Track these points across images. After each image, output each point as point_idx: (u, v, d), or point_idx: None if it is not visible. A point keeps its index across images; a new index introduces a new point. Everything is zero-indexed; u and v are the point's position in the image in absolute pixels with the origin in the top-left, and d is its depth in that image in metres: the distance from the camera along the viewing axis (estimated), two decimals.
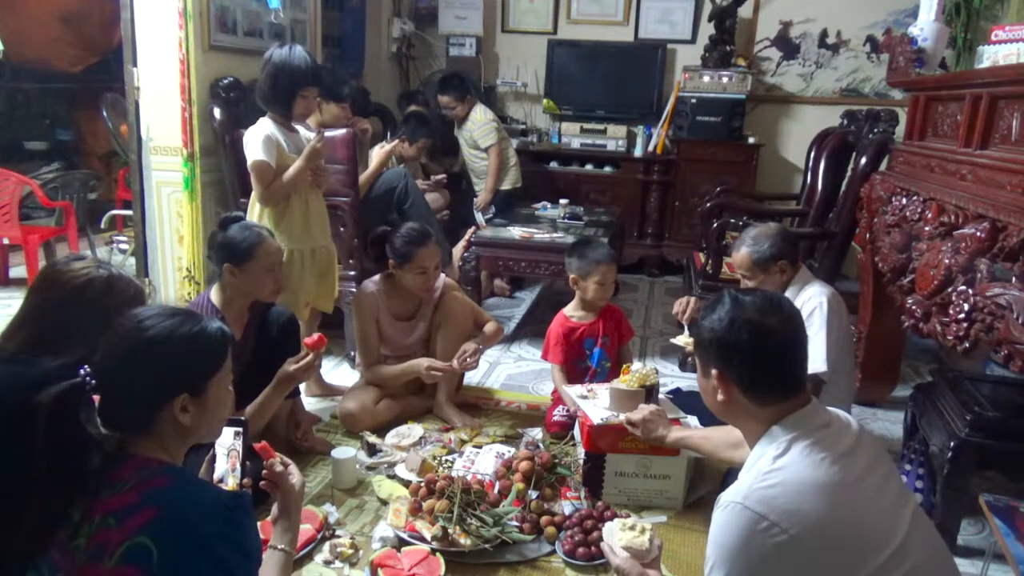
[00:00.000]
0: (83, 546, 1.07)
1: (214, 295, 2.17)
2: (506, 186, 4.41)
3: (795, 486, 1.13)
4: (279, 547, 1.42)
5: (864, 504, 1.15)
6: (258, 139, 2.50)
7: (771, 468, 1.17)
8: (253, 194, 2.58)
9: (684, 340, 2.53)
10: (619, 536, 1.51)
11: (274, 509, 1.47)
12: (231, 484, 1.50)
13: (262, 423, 2.16)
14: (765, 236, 2.33)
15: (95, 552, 1.06)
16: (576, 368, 2.68)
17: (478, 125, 4.29)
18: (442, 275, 2.73)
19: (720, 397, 1.28)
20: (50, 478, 1.06)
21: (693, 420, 2.31)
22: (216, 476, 1.51)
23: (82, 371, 1.11)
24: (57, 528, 1.08)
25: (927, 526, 1.23)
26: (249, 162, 2.51)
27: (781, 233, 2.37)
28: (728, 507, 1.14)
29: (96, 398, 1.14)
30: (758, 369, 1.25)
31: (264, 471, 1.47)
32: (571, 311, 2.71)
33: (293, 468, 1.49)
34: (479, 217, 4.30)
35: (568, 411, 2.53)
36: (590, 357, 2.68)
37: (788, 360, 1.26)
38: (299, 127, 2.72)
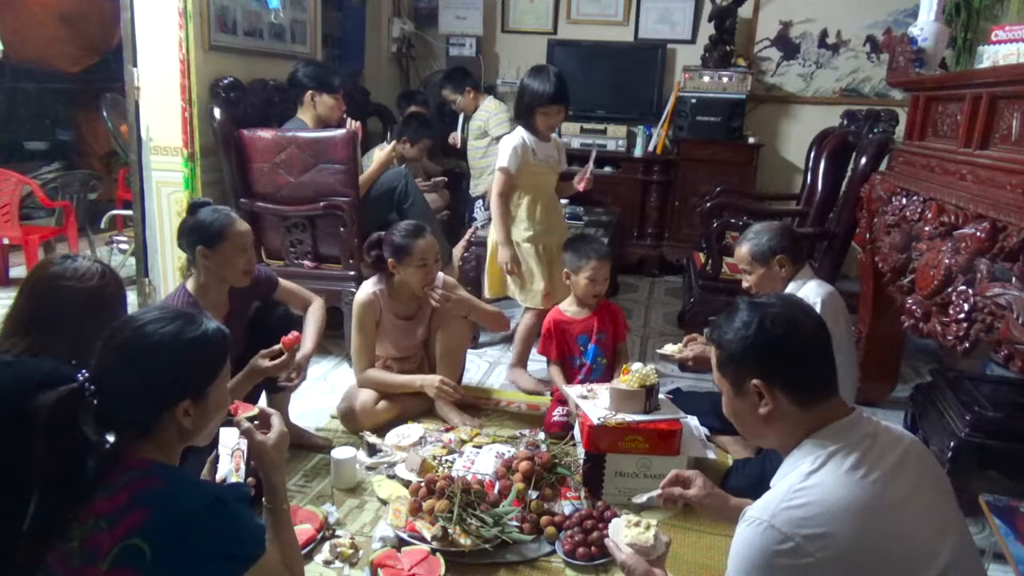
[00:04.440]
0: (77, 549, 1.07)
1: (190, 284, 2.17)
2: None
3: (825, 507, 1.07)
4: (268, 506, 1.38)
5: (901, 528, 1.09)
6: (507, 148, 2.89)
7: (802, 485, 1.11)
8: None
9: (671, 350, 2.54)
10: (624, 533, 1.51)
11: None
12: None
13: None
14: (766, 230, 2.35)
15: (89, 555, 1.06)
16: (571, 365, 2.68)
17: (491, 113, 4.19)
18: (440, 274, 2.72)
19: (763, 410, 1.20)
20: (50, 481, 1.07)
21: (693, 420, 2.32)
22: (219, 476, 1.51)
23: (80, 375, 1.11)
24: (58, 531, 1.08)
25: (971, 554, 1.17)
26: (496, 167, 2.93)
27: (783, 228, 2.39)
28: (753, 523, 1.10)
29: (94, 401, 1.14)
30: (801, 363, 1.20)
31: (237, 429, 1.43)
32: (565, 306, 2.72)
33: (276, 419, 1.43)
34: (481, 214, 4.21)
35: (567, 411, 2.53)
36: (584, 354, 2.68)
37: (824, 348, 1.21)
38: (553, 136, 3.05)
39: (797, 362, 1.20)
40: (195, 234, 2.10)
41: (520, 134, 2.91)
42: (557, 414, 2.58)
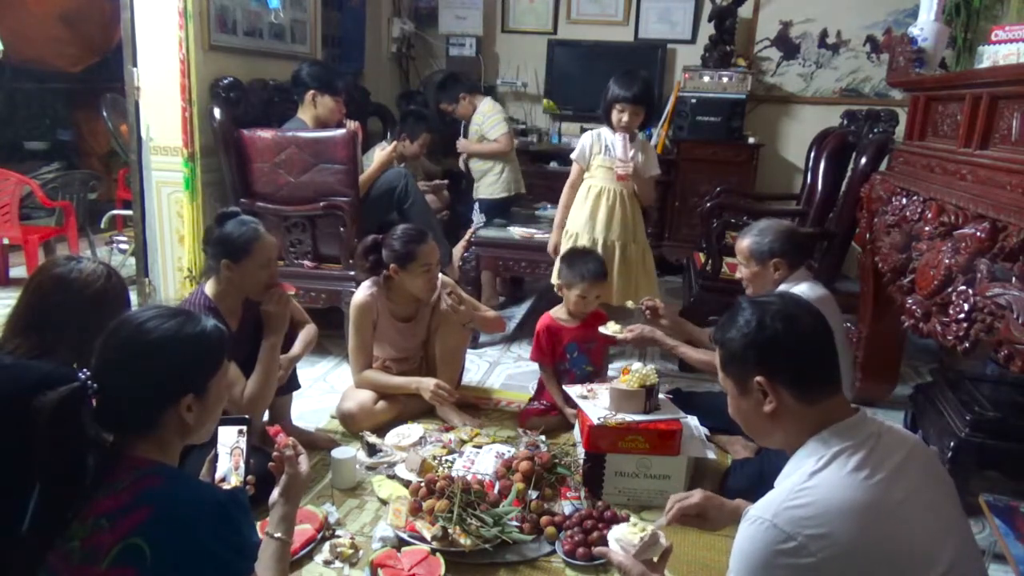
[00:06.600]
0: (78, 548, 1.07)
1: (209, 288, 2.17)
2: (508, 192, 4.26)
3: (826, 507, 1.08)
4: (276, 535, 1.41)
5: (902, 530, 1.09)
6: (581, 141, 3.09)
7: (804, 485, 1.12)
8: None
9: (613, 329, 2.54)
10: (618, 534, 1.51)
11: (274, 494, 1.46)
12: (234, 482, 1.49)
13: (270, 392, 2.18)
14: (771, 231, 2.33)
15: (89, 554, 1.06)
16: (556, 371, 2.67)
17: (487, 116, 4.16)
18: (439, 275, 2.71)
19: (767, 407, 1.21)
20: (51, 481, 1.07)
21: (693, 420, 2.32)
22: (218, 475, 1.51)
23: (83, 374, 1.11)
24: (59, 530, 1.08)
25: (974, 556, 1.18)
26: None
27: (787, 232, 2.36)
28: (756, 522, 1.11)
29: (95, 400, 1.15)
30: (803, 358, 1.21)
31: (274, 454, 1.48)
32: (557, 312, 2.70)
33: (303, 458, 1.51)
34: (476, 217, 4.20)
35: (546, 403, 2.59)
36: (570, 361, 2.66)
37: (824, 343, 1.22)
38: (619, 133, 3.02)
39: (797, 356, 1.21)
40: (220, 247, 2.12)
41: (599, 129, 3.05)
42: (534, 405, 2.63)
